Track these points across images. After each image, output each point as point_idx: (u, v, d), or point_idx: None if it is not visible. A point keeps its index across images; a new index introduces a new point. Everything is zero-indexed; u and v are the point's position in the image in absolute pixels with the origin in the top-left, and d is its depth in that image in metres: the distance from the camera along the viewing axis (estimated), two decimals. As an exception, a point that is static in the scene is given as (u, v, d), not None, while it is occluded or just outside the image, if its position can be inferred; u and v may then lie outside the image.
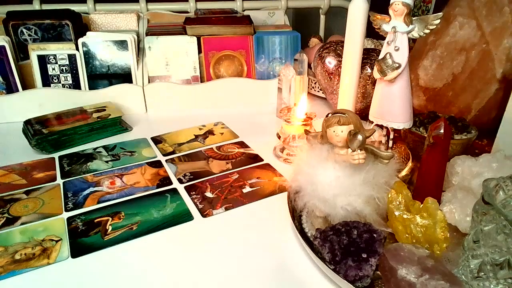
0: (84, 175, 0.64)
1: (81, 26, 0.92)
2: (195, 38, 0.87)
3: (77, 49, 0.83)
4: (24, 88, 0.83)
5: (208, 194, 0.58)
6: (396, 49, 0.52)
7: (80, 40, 0.83)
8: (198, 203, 0.56)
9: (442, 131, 0.47)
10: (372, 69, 0.74)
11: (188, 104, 0.88)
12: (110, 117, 0.76)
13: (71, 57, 0.83)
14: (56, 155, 0.70)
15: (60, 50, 0.83)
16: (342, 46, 0.70)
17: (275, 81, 0.87)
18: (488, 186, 0.35)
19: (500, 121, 0.61)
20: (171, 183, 0.61)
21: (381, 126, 0.59)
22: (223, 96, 0.89)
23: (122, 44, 0.85)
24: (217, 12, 0.98)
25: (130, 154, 0.70)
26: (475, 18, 0.68)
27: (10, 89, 0.82)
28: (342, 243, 0.41)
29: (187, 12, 1.06)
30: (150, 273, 0.44)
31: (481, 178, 0.47)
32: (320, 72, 0.83)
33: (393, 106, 0.55)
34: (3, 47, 0.79)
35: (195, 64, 0.88)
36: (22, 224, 0.52)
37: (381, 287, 0.41)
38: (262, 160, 0.68)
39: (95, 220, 0.53)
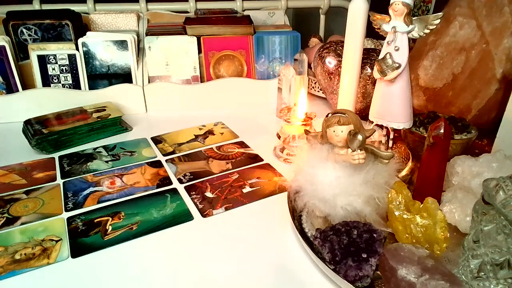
0: (84, 175, 0.63)
1: (81, 26, 0.92)
2: (195, 38, 0.87)
3: (77, 49, 0.83)
4: (24, 88, 0.83)
5: (208, 194, 0.58)
6: (396, 49, 0.52)
7: (80, 40, 0.83)
8: (198, 203, 0.56)
9: (442, 131, 0.47)
10: (372, 69, 0.74)
11: (188, 104, 0.88)
12: (110, 117, 0.76)
13: (71, 57, 0.83)
14: (56, 155, 0.70)
15: (60, 50, 0.83)
16: (342, 46, 0.70)
17: (275, 81, 0.87)
18: (488, 186, 0.35)
19: (500, 121, 0.61)
20: (171, 183, 0.61)
21: (381, 126, 0.59)
22: (223, 96, 0.88)
23: (122, 44, 0.85)
24: (217, 12, 0.98)
25: (130, 154, 0.70)
26: (475, 18, 0.68)
27: (10, 89, 0.82)
28: (342, 243, 0.41)
29: (187, 12, 1.05)
30: (150, 273, 0.44)
31: (481, 178, 0.47)
32: (320, 72, 0.83)
33: (393, 106, 0.55)
34: (3, 47, 0.79)
35: (195, 64, 0.88)
36: (22, 224, 0.52)
37: (381, 287, 0.41)
38: (262, 160, 0.68)
39: (95, 220, 0.53)
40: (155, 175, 0.64)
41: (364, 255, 0.40)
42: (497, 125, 0.61)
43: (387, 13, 0.52)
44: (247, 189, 0.60)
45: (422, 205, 0.43)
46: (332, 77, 0.81)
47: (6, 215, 0.54)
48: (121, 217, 0.53)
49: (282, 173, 0.64)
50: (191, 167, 0.66)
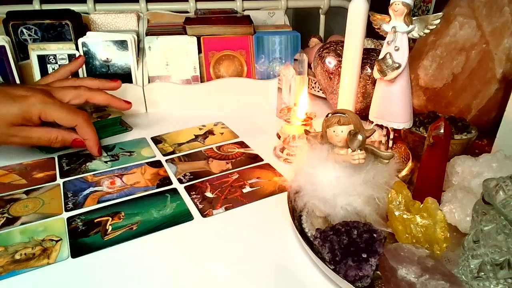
0: (84, 175, 0.63)
1: (81, 26, 0.92)
2: (195, 38, 0.87)
3: (77, 49, 0.83)
4: (24, 88, 0.83)
5: (208, 194, 0.58)
6: (396, 49, 0.52)
7: (80, 40, 0.83)
8: (198, 203, 0.56)
9: (442, 131, 0.47)
10: (372, 69, 0.74)
11: (188, 104, 0.88)
12: (110, 117, 0.76)
13: (71, 57, 0.83)
14: (55, 155, 0.70)
15: (60, 50, 0.83)
16: (342, 46, 0.70)
17: (275, 81, 0.87)
18: (488, 186, 0.35)
19: (500, 121, 0.61)
20: (171, 183, 0.61)
21: (381, 126, 0.59)
22: (223, 96, 0.88)
23: (122, 44, 0.85)
24: (217, 12, 0.98)
25: (129, 154, 0.70)
26: (475, 18, 0.68)
27: (10, 89, 0.82)
28: (342, 243, 0.41)
29: (187, 12, 1.05)
30: (150, 273, 0.44)
31: (481, 178, 0.47)
32: (320, 72, 0.83)
33: (393, 106, 0.55)
34: (3, 47, 0.79)
35: (195, 64, 0.88)
36: (22, 224, 0.52)
37: (381, 287, 0.41)
38: (262, 160, 0.68)
39: (95, 220, 0.53)
40: (155, 175, 0.64)
41: (364, 255, 0.40)
42: (497, 125, 0.61)
43: (387, 13, 0.52)
44: (247, 189, 0.60)
45: (422, 205, 0.43)
46: (332, 77, 0.81)
47: (6, 215, 0.54)
48: (121, 217, 0.53)
49: (282, 173, 0.64)
50: (191, 167, 0.66)
